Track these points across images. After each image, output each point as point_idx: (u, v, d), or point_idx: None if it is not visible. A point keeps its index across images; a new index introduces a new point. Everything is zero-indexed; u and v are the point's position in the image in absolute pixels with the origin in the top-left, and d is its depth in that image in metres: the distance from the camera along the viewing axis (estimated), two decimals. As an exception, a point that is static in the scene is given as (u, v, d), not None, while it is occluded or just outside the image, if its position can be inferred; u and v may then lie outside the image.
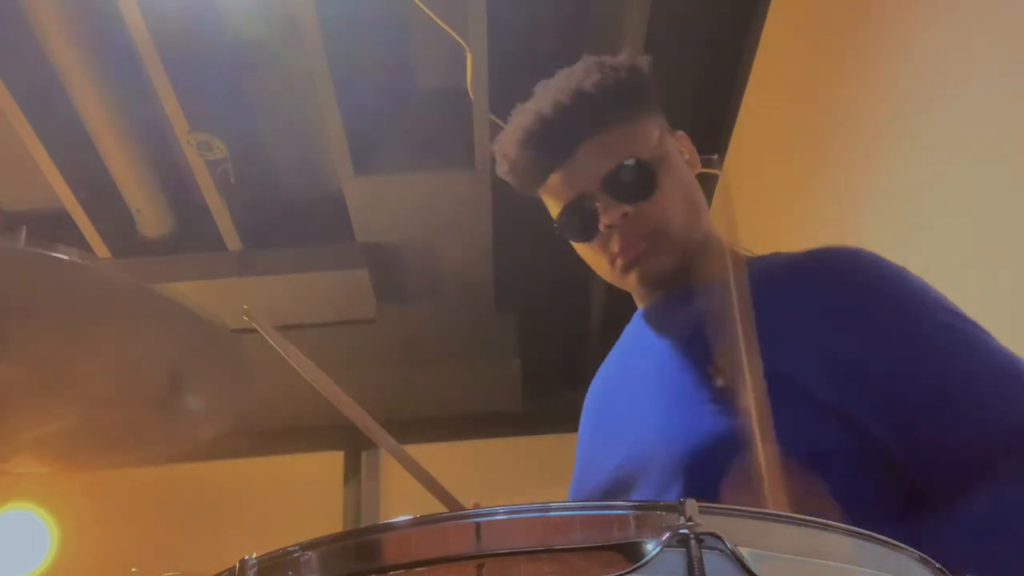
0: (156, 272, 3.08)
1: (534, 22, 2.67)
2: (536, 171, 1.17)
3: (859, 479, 0.94)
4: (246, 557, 0.60)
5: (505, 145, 1.19)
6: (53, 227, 3.05)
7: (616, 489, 1.07)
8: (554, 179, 1.16)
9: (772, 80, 2.53)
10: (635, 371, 1.16)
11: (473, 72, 2.53)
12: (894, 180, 1.93)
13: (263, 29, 2.59)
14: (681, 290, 1.15)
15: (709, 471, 0.91)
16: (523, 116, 1.18)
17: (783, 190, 2.51)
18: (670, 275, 1.14)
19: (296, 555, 0.60)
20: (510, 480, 3.78)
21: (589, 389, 1.29)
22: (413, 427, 3.97)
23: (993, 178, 1.60)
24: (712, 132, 2.76)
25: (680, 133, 1.20)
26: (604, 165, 1.12)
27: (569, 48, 2.74)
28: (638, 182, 1.11)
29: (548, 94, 1.18)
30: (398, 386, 3.75)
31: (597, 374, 1.28)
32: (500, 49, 2.53)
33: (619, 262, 1.13)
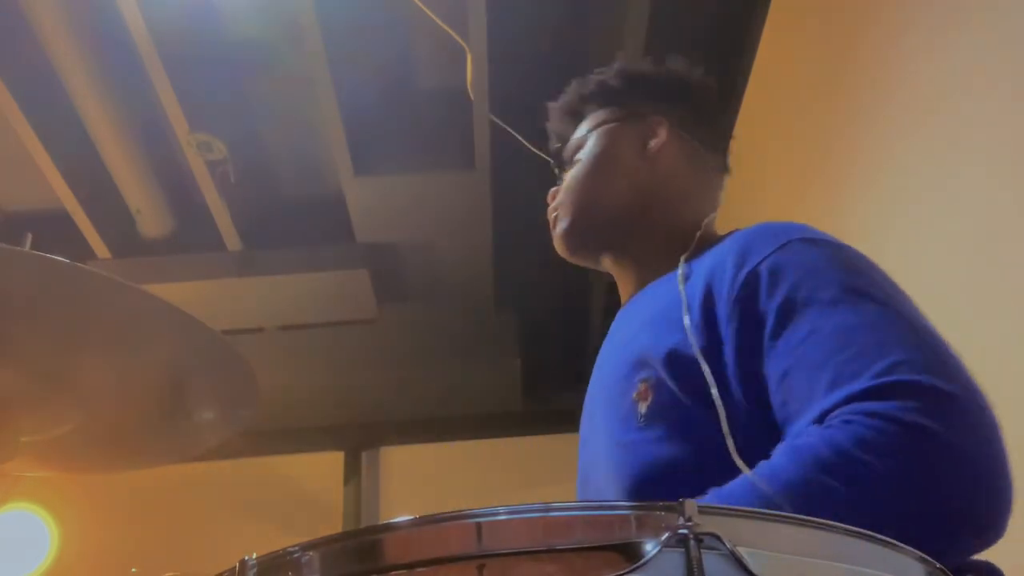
0: (156, 272, 3.08)
1: (534, 22, 2.67)
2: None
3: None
4: (246, 557, 0.60)
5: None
6: (53, 227, 3.05)
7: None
8: None
9: (772, 80, 2.53)
10: (597, 377, 1.18)
11: (473, 72, 2.53)
12: (895, 180, 1.94)
13: (263, 29, 2.59)
14: (637, 296, 1.21)
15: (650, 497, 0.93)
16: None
17: (783, 190, 2.51)
18: (583, 242, 1.26)
19: (296, 555, 0.60)
20: (510, 480, 3.78)
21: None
22: (413, 427, 3.99)
23: (995, 179, 1.60)
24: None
25: (655, 118, 1.28)
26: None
27: (569, 48, 2.76)
28: (561, 161, 1.32)
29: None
30: (398, 386, 3.75)
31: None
32: (500, 49, 2.54)
33: None
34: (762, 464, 0.84)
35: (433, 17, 2.42)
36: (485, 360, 3.68)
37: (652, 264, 1.20)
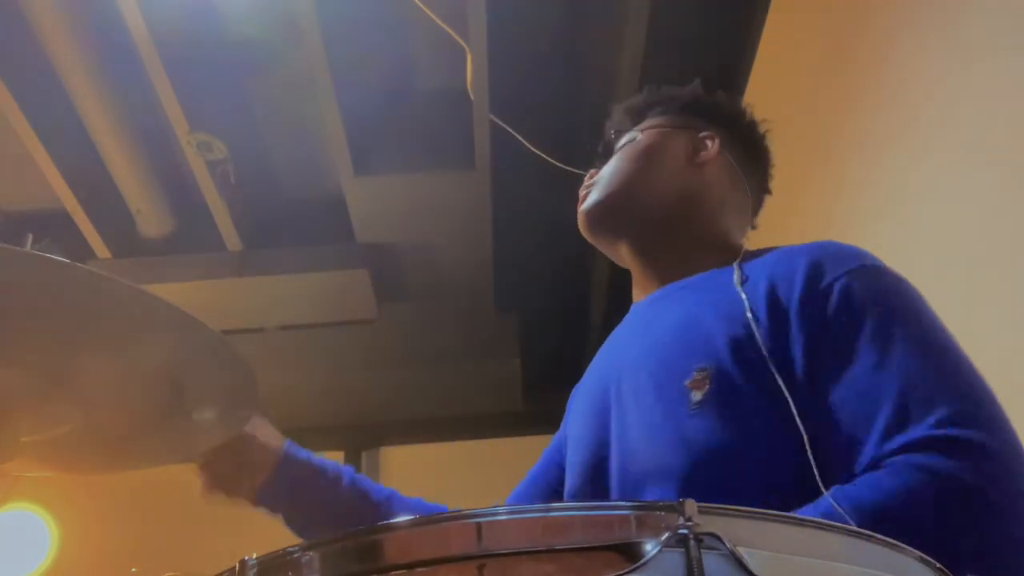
0: (156, 272, 3.08)
1: (534, 22, 2.67)
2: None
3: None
4: (246, 557, 0.60)
5: None
6: (53, 227, 3.05)
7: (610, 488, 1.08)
8: None
9: (772, 80, 2.53)
10: (618, 369, 1.18)
11: (473, 72, 2.53)
12: (895, 180, 1.94)
13: (263, 29, 2.59)
14: (666, 290, 1.21)
15: (703, 481, 0.97)
16: None
17: (783, 190, 2.50)
18: (612, 222, 1.27)
19: (296, 555, 0.60)
20: (510, 480, 3.77)
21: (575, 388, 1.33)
22: (413, 427, 3.99)
23: (995, 178, 1.60)
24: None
25: (709, 133, 1.33)
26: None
27: (569, 48, 2.76)
28: (610, 150, 1.34)
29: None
30: (398, 386, 3.75)
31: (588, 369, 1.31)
32: (500, 49, 2.54)
33: None
34: (835, 490, 0.88)
35: (433, 17, 2.42)
36: (485, 360, 3.68)
37: (677, 265, 1.22)
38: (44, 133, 2.69)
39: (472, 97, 2.61)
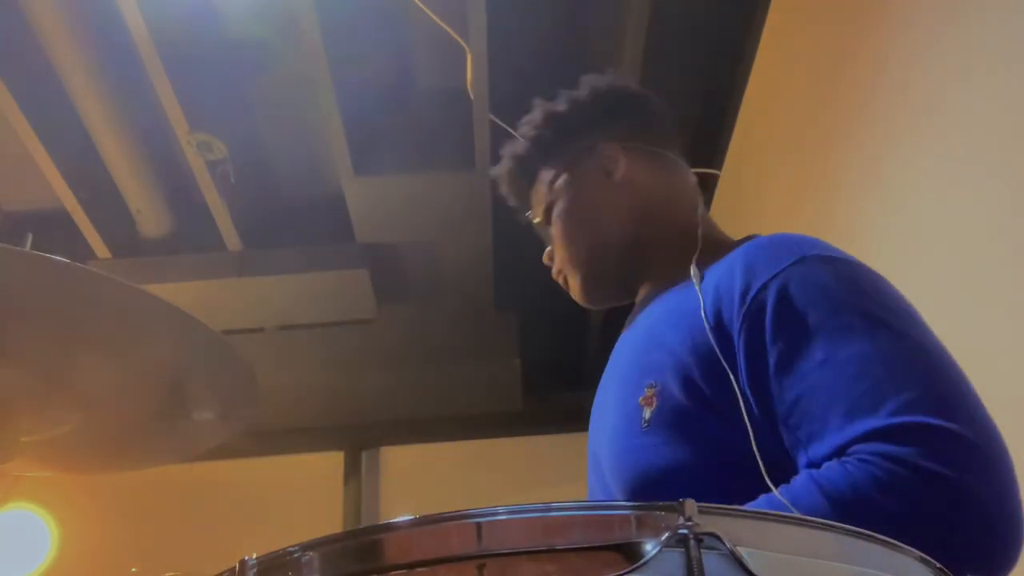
0: (156, 272, 3.08)
1: (534, 22, 2.67)
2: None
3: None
4: (246, 557, 0.60)
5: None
6: (53, 227, 3.05)
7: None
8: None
9: (772, 81, 2.53)
10: (608, 377, 1.19)
11: (473, 72, 2.53)
12: (896, 180, 1.94)
13: (263, 29, 2.59)
14: (652, 296, 1.20)
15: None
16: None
17: (783, 190, 2.51)
18: (605, 291, 1.27)
19: (296, 555, 0.60)
20: (510, 480, 3.78)
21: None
22: (413, 427, 3.99)
23: (996, 178, 1.60)
24: (712, 132, 2.77)
25: (605, 145, 1.26)
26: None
27: (569, 48, 2.76)
28: (544, 234, 1.30)
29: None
30: (398, 386, 3.75)
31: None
32: (500, 49, 2.53)
33: None
34: (783, 489, 0.86)
35: (433, 17, 2.42)
36: (485, 360, 3.68)
37: (680, 271, 1.17)
38: (44, 133, 2.68)
39: (472, 97, 2.61)
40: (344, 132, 2.74)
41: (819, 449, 0.89)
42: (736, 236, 1.21)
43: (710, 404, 0.97)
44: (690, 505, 0.56)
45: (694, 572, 0.54)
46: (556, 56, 2.69)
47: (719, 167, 2.74)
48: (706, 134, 2.77)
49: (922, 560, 0.63)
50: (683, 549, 0.55)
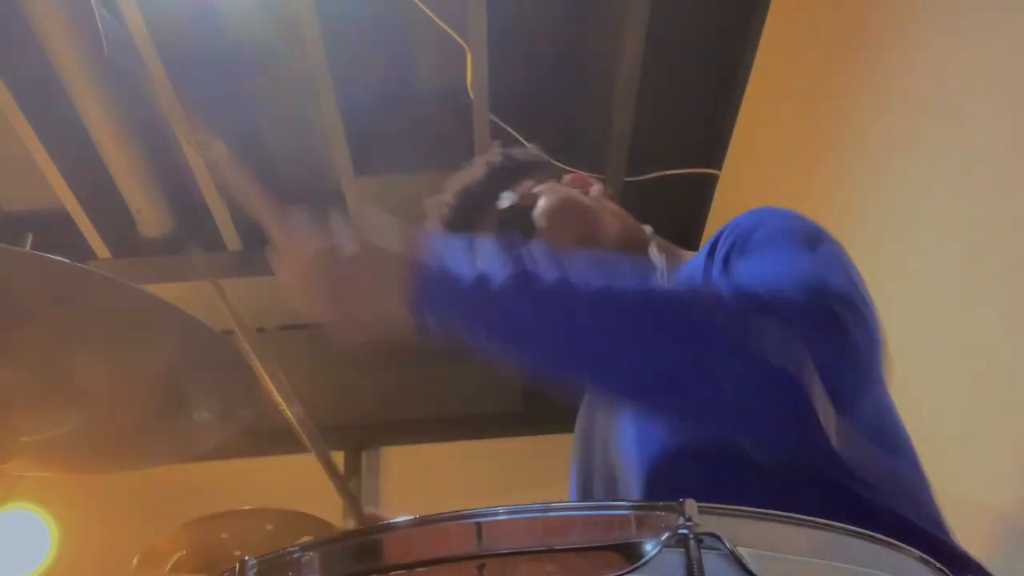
0: (156, 272, 3.07)
1: (534, 22, 2.66)
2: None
3: None
4: (246, 557, 0.60)
5: None
6: (53, 227, 3.05)
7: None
8: None
9: (772, 80, 2.53)
10: None
11: (473, 72, 2.53)
12: (897, 180, 1.94)
13: (263, 29, 2.59)
14: None
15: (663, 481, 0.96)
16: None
17: (783, 191, 2.51)
18: None
19: (296, 555, 0.60)
20: (510, 480, 3.78)
21: None
22: (413, 427, 3.98)
23: (994, 180, 1.60)
24: (712, 132, 2.76)
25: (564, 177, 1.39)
26: None
27: (569, 48, 2.76)
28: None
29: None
30: (398, 386, 3.75)
31: None
32: (500, 49, 2.53)
33: None
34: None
35: (433, 17, 2.42)
36: (485, 360, 3.67)
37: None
38: (44, 133, 2.68)
39: (472, 97, 2.61)
40: (344, 132, 2.74)
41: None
42: None
43: None
44: (690, 505, 0.56)
45: (694, 572, 0.54)
46: (556, 56, 2.69)
47: (719, 167, 2.74)
48: (706, 134, 2.77)
49: (922, 560, 0.63)
50: (683, 549, 0.55)
